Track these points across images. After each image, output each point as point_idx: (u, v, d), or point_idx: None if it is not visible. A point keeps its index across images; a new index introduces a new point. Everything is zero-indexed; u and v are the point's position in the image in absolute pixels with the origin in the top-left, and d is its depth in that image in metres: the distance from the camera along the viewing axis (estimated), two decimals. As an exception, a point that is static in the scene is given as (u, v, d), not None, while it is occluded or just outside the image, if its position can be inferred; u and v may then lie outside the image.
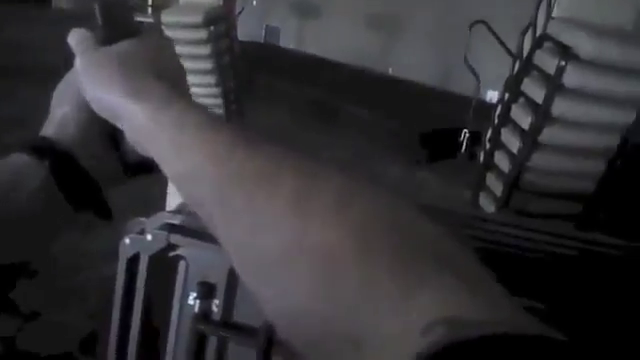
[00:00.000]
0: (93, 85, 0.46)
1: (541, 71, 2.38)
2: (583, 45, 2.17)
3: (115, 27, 0.49)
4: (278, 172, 0.36)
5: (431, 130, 4.58)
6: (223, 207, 0.37)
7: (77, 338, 2.03)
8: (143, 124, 0.43)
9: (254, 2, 8.54)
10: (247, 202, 0.35)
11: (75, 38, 0.49)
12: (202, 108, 0.43)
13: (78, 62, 0.48)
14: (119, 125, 0.46)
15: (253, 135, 0.40)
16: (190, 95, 0.50)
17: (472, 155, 3.87)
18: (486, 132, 2.92)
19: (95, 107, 0.47)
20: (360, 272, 0.30)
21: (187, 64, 3.25)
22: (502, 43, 3.48)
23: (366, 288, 0.29)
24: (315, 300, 0.31)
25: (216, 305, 0.70)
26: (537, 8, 2.48)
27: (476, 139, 3.49)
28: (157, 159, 0.43)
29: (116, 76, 0.45)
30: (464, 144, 4.22)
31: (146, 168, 0.51)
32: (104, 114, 0.47)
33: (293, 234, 0.33)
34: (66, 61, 0.50)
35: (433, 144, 4.51)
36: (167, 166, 0.42)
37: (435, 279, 0.28)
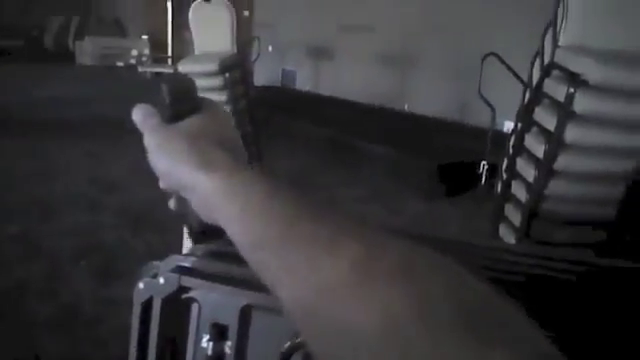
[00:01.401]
0: (165, 160, 0.50)
1: (551, 99, 2.38)
2: (591, 71, 2.17)
3: (181, 104, 0.53)
4: (342, 238, 0.37)
5: (449, 163, 4.57)
6: (289, 273, 0.38)
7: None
8: (212, 193, 0.45)
9: (270, 48, 8.76)
10: (311, 267, 0.37)
11: (140, 115, 0.53)
12: (267, 176, 0.45)
13: (147, 139, 0.51)
14: (187, 196, 0.50)
15: (316, 202, 0.42)
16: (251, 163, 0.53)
17: (491, 187, 3.85)
18: (502, 163, 2.91)
19: (164, 180, 0.51)
20: (428, 339, 0.30)
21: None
22: (514, 73, 3.50)
23: (430, 353, 0.30)
24: None
25: (229, 347, 0.71)
26: (543, 37, 2.50)
27: (495, 170, 3.48)
28: (224, 226, 0.45)
29: (187, 150, 0.48)
30: (483, 176, 4.19)
31: (209, 235, 0.54)
32: (173, 186, 0.51)
33: (355, 298, 0.34)
34: None
35: (452, 177, 4.49)
36: (235, 231, 0.44)
37: (496, 351, 0.29)
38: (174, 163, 0.49)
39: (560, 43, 2.36)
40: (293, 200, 0.42)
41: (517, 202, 2.62)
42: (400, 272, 0.34)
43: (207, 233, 0.54)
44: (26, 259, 3.06)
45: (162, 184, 0.53)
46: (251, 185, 0.45)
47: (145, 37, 12.40)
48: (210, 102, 0.55)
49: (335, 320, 0.34)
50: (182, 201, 0.53)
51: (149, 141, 0.51)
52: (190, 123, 0.51)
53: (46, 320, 2.46)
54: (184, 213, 0.55)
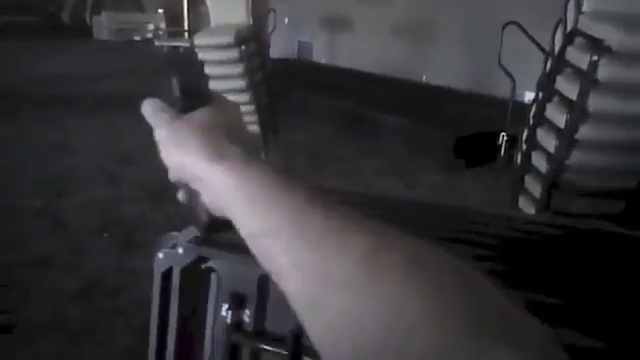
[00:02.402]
0: (176, 151, 0.50)
1: (574, 67, 2.32)
2: (614, 37, 2.10)
3: (191, 97, 0.53)
4: (351, 231, 0.38)
5: (468, 135, 4.52)
6: (297, 264, 0.38)
7: (124, 353, 2.09)
8: (223, 184, 0.46)
9: (286, 20, 8.66)
10: (321, 260, 0.37)
11: (149, 109, 0.53)
12: (278, 169, 0.46)
13: (158, 132, 0.52)
14: (197, 187, 0.50)
15: (327, 195, 0.42)
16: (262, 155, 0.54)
17: (511, 158, 3.80)
18: (522, 133, 2.86)
19: (175, 172, 0.52)
20: (434, 334, 0.31)
21: (220, 84, 3.31)
22: (535, 42, 3.41)
23: (437, 347, 0.30)
24: (386, 356, 0.32)
25: (247, 315, 0.72)
26: (566, 3, 2.43)
27: (514, 142, 3.43)
28: (234, 217, 0.45)
29: (198, 142, 0.48)
30: (503, 147, 4.14)
31: (218, 227, 0.55)
32: (184, 178, 0.51)
33: (366, 291, 0.34)
34: None
35: (471, 149, 4.45)
36: (244, 224, 0.44)
37: (501, 348, 0.29)
38: (185, 155, 0.49)
39: (584, 9, 2.29)
40: (303, 193, 0.42)
41: (537, 173, 2.59)
42: (408, 268, 0.34)
43: (215, 225, 0.55)
44: (49, 233, 3.13)
45: (172, 176, 0.53)
46: (262, 177, 0.45)
47: (161, 11, 12.36)
48: (220, 95, 0.55)
49: (341, 314, 0.34)
50: (192, 193, 0.54)
51: (160, 134, 0.52)
52: (200, 115, 0.51)
53: (70, 291, 2.53)
54: (193, 205, 0.56)
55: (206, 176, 0.47)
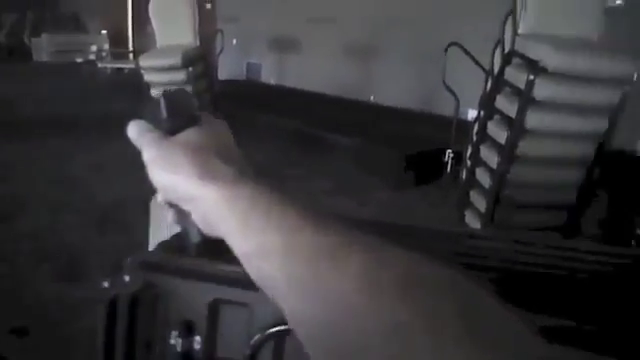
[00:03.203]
0: (166, 171, 0.49)
1: (512, 86, 2.43)
2: (549, 58, 2.22)
3: (179, 117, 0.52)
4: (346, 248, 0.37)
5: (416, 153, 4.62)
6: (292, 283, 0.38)
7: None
8: (214, 204, 0.45)
9: (234, 41, 8.66)
10: (316, 278, 0.37)
11: (135, 130, 0.52)
12: (270, 188, 0.45)
13: (147, 152, 0.51)
14: (188, 207, 0.49)
15: (321, 212, 0.41)
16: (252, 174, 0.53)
17: (457, 174, 3.91)
18: (466, 150, 2.95)
19: (165, 192, 0.51)
20: (429, 348, 0.31)
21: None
22: (477, 62, 3.55)
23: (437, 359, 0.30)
24: None
25: (198, 342, 0.70)
26: (504, 24, 2.54)
27: (460, 158, 3.53)
28: (226, 237, 0.44)
29: (188, 162, 0.48)
30: (449, 164, 4.25)
31: (210, 248, 0.53)
32: (173, 199, 0.50)
33: (361, 310, 0.34)
34: None
35: (418, 167, 4.54)
36: (237, 244, 0.43)
37: (499, 357, 0.30)
38: (176, 175, 0.48)
39: (520, 31, 2.41)
40: (296, 211, 0.42)
41: (481, 188, 2.67)
42: (405, 283, 0.34)
43: (207, 246, 0.54)
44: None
45: (161, 197, 0.52)
46: (254, 196, 0.44)
47: (104, 32, 12.10)
48: (207, 115, 0.54)
49: (341, 332, 0.34)
50: (182, 214, 0.53)
51: (149, 154, 0.51)
52: (190, 136, 0.50)
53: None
54: (184, 226, 0.55)
55: (198, 196, 0.46)
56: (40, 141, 5.38)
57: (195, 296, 0.68)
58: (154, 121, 0.52)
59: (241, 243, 0.43)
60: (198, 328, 0.70)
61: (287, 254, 0.39)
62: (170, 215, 0.55)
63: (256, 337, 0.62)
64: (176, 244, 0.77)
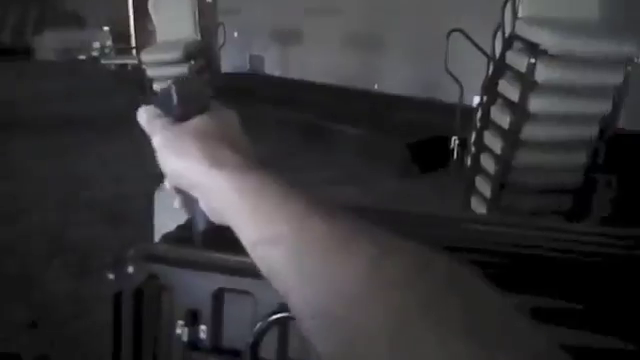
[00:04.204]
0: (175, 157, 0.49)
1: (514, 70, 2.42)
2: (550, 41, 2.20)
3: (189, 104, 0.52)
4: (354, 238, 0.37)
5: (421, 140, 4.60)
6: (299, 272, 0.38)
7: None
8: (223, 191, 0.45)
9: (235, 34, 8.64)
10: (324, 267, 0.37)
11: (145, 116, 0.53)
12: (279, 176, 0.45)
13: (156, 139, 0.51)
14: (196, 194, 0.50)
15: (328, 201, 0.42)
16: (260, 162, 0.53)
17: (463, 161, 3.89)
18: (471, 136, 2.95)
19: (173, 178, 0.51)
20: (434, 343, 0.31)
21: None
22: (479, 48, 3.52)
23: (439, 357, 0.30)
24: None
25: (203, 331, 0.71)
26: (503, 8, 2.52)
27: (466, 145, 3.51)
28: (234, 225, 0.44)
29: (198, 148, 0.48)
30: (455, 151, 4.23)
31: (216, 235, 0.54)
32: (183, 184, 0.50)
33: (369, 300, 0.34)
34: None
35: (424, 155, 4.53)
36: (245, 232, 0.43)
37: (502, 357, 0.30)
38: (184, 161, 0.48)
39: (519, 15, 2.39)
40: (306, 200, 0.42)
41: (486, 174, 2.67)
42: (414, 275, 0.34)
43: (213, 233, 0.54)
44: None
45: (169, 183, 0.53)
46: (263, 184, 0.44)
47: (107, 28, 12.10)
48: (217, 103, 0.54)
49: (348, 322, 0.34)
50: (189, 200, 0.53)
51: (158, 140, 0.51)
52: (199, 123, 0.51)
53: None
54: (191, 212, 0.55)
55: (206, 183, 0.47)
56: (46, 138, 5.42)
57: (199, 286, 0.69)
58: (165, 108, 0.53)
59: (249, 231, 0.43)
60: (203, 317, 0.71)
61: (296, 242, 0.39)
62: (177, 201, 0.56)
63: (259, 324, 0.63)
64: (180, 235, 0.78)
